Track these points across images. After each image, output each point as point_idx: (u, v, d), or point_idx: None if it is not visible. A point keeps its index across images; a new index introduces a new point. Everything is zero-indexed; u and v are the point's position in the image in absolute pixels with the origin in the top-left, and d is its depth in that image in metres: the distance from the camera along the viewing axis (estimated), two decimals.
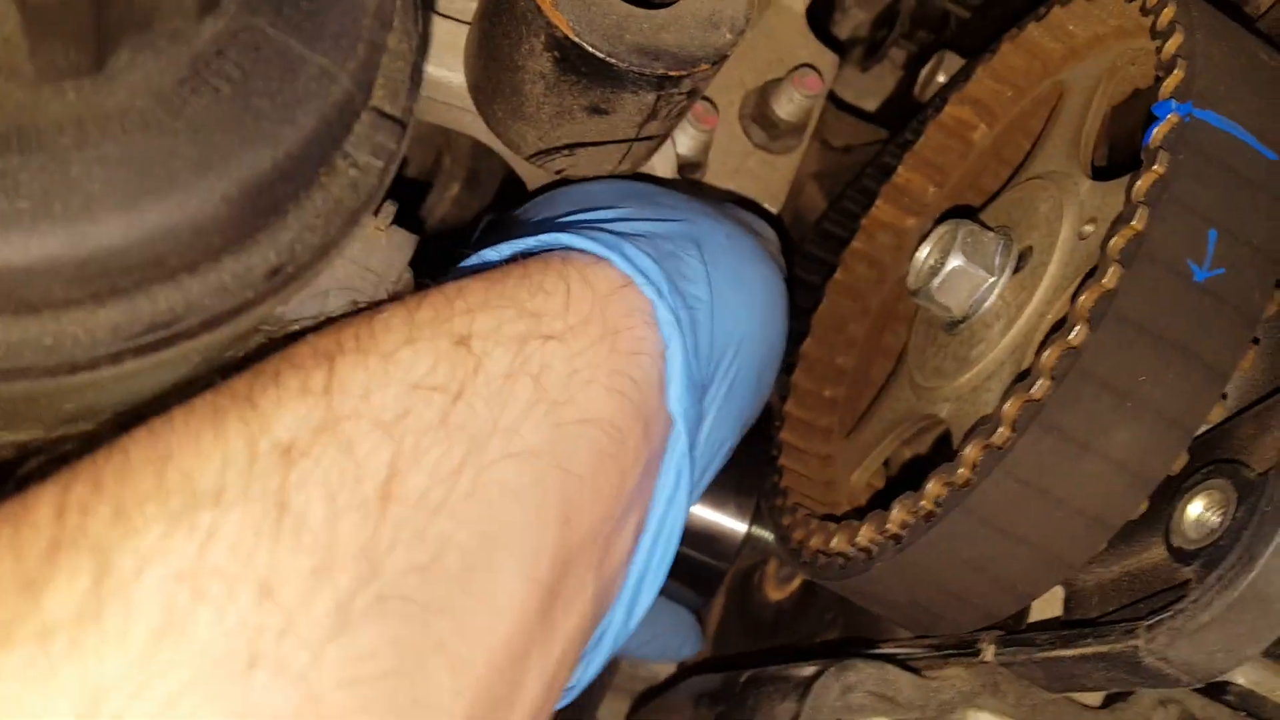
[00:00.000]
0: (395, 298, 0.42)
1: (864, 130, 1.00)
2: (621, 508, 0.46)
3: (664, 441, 0.49)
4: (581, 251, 0.49)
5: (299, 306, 0.41)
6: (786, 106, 0.86)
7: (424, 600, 0.37)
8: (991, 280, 0.64)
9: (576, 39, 0.60)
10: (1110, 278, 0.50)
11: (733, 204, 0.72)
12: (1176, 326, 0.50)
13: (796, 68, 0.86)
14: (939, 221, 0.67)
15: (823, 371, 0.80)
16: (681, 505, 0.50)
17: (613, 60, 0.60)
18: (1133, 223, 0.50)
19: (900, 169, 0.81)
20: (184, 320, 0.33)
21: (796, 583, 0.88)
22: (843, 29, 1.28)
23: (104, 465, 0.33)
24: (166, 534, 0.33)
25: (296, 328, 0.38)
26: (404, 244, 0.43)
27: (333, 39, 0.34)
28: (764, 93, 0.87)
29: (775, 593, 0.91)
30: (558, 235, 0.50)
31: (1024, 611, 0.60)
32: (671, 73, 0.62)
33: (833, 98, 1.05)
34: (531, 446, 0.41)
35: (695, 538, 0.82)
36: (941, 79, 0.89)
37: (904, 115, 0.91)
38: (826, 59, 0.90)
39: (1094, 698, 0.59)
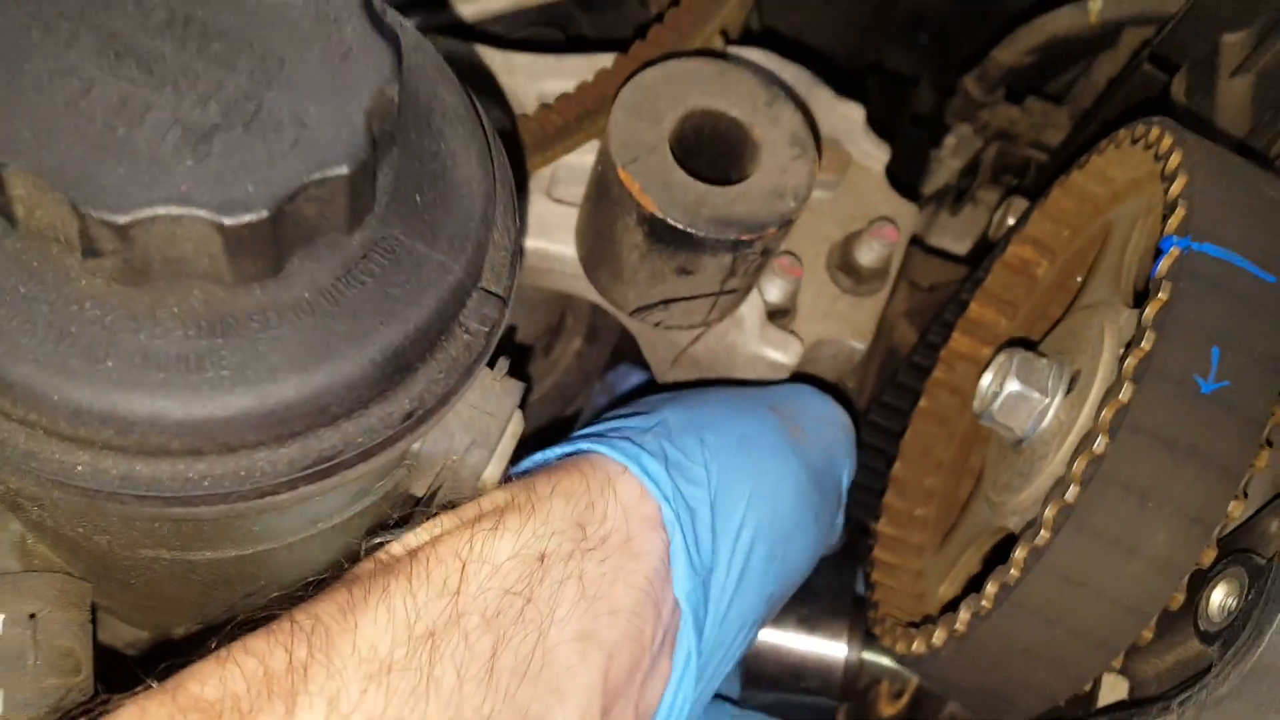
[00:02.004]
0: (519, 486, 0.57)
1: (949, 270, 1.08)
2: (643, 674, 0.59)
3: (676, 620, 0.60)
4: (611, 460, 0.62)
5: (432, 444, 0.52)
6: (867, 254, 0.94)
7: None
8: (1046, 402, 0.71)
9: (662, 215, 0.71)
10: (1125, 393, 0.57)
11: (797, 390, 0.81)
12: (1187, 433, 0.56)
13: (875, 220, 0.95)
14: (999, 350, 0.75)
15: (912, 492, 0.87)
16: (692, 672, 0.61)
17: (692, 230, 0.71)
18: (1142, 344, 0.58)
19: (973, 305, 0.89)
20: (343, 454, 0.44)
21: (905, 698, 0.93)
22: (939, 178, 1.37)
23: (312, 632, 0.47)
24: (364, 689, 0.47)
25: (435, 483, 0.54)
26: (514, 390, 0.54)
27: (448, 241, 0.45)
28: (847, 243, 0.96)
29: (887, 708, 0.96)
30: (592, 443, 0.63)
31: (1093, 702, 0.65)
32: (743, 237, 0.72)
33: (920, 243, 1.14)
34: (579, 633, 0.55)
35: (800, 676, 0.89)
36: (1011, 221, 0.97)
37: (985, 254, 0.99)
38: (905, 210, 0.99)
39: None
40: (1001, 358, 0.73)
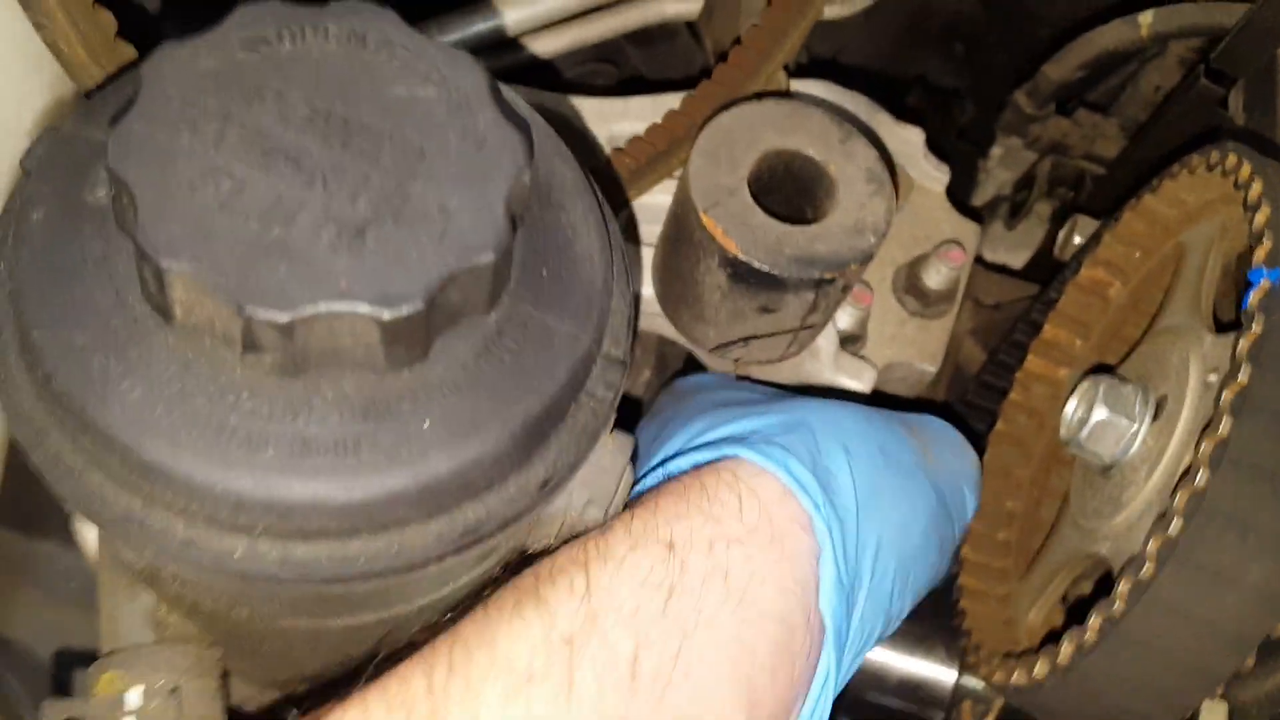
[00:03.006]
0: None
1: (1012, 287, 1.09)
2: (795, 695, 0.55)
3: (820, 636, 0.57)
4: (750, 463, 0.58)
5: (553, 503, 0.53)
6: (935, 278, 0.95)
7: None
8: (1134, 428, 0.72)
9: (746, 258, 0.73)
10: (1224, 428, 0.58)
11: (928, 417, 0.77)
12: None
13: (942, 243, 0.96)
14: (1083, 377, 0.76)
15: (993, 516, 0.88)
16: (829, 699, 0.57)
17: (775, 272, 0.72)
18: (1239, 378, 0.59)
19: (1047, 326, 0.90)
20: (486, 525, 0.45)
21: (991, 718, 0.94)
22: (987, 190, 1.38)
23: (452, 650, 0.47)
24: (504, 703, 0.46)
25: (554, 541, 0.53)
26: (625, 446, 0.55)
27: (574, 312, 0.47)
28: (914, 267, 0.97)
29: None
30: (735, 448, 0.59)
31: None
32: (826, 275, 0.73)
33: (981, 261, 1.15)
34: (727, 637, 0.51)
35: (906, 693, 0.89)
36: (1077, 240, 0.98)
37: (1049, 269, 1.00)
38: (968, 230, 0.99)
39: None
40: (1086, 384, 0.74)
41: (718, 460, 0.60)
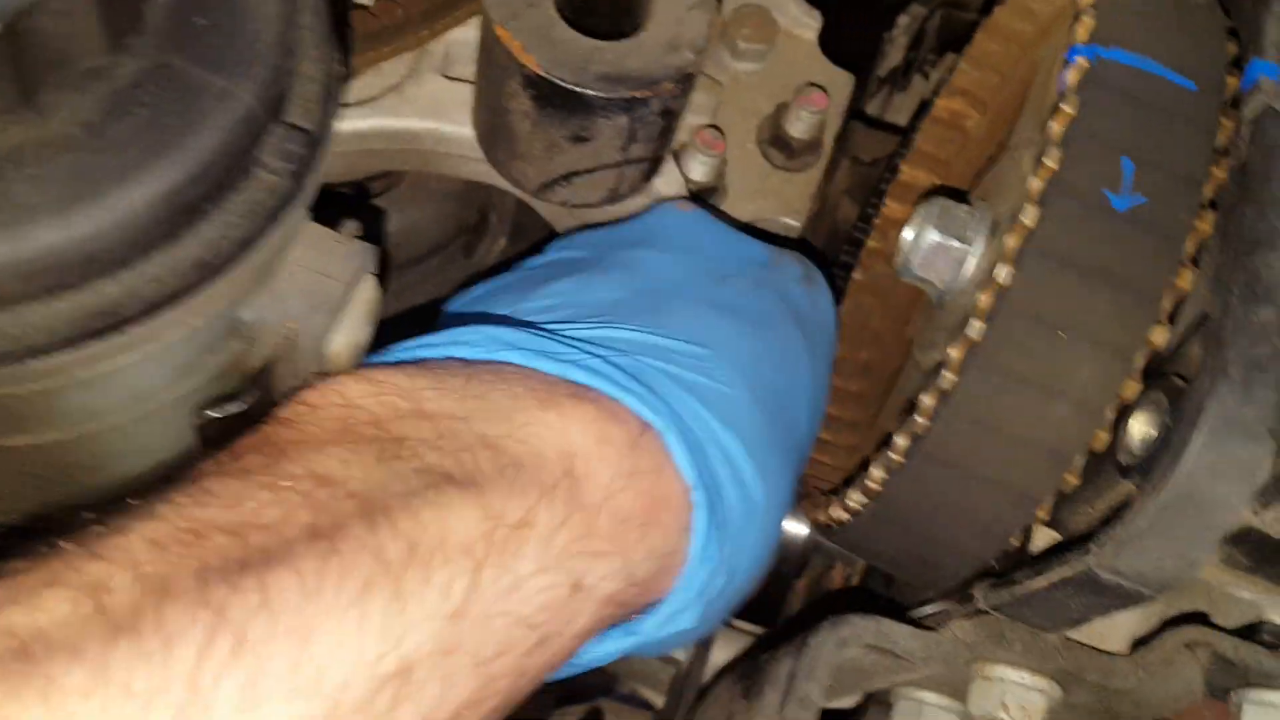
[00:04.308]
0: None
1: (892, 142, 1.03)
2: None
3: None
4: (656, 436, 0.52)
5: (263, 311, 0.47)
6: (797, 125, 0.89)
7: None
8: (967, 250, 0.66)
9: (546, 75, 0.66)
10: (1029, 217, 0.52)
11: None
12: (1099, 255, 0.52)
13: (802, 88, 0.90)
14: (920, 200, 0.70)
15: (848, 368, 0.83)
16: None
17: (580, 89, 0.66)
18: (1046, 162, 0.53)
19: (904, 166, 0.84)
20: (126, 307, 0.39)
21: (857, 580, 0.90)
22: (891, 60, 1.32)
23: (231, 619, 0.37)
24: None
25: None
26: (359, 252, 0.49)
27: (232, 65, 0.41)
28: (776, 116, 0.91)
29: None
30: (629, 396, 0.52)
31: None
32: (637, 94, 0.67)
33: (863, 116, 1.08)
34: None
35: None
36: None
37: None
38: (839, 78, 0.93)
39: (1120, 644, 0.59)
40: (921, 208, 0.68)
41: (612, 398, 0.52)
